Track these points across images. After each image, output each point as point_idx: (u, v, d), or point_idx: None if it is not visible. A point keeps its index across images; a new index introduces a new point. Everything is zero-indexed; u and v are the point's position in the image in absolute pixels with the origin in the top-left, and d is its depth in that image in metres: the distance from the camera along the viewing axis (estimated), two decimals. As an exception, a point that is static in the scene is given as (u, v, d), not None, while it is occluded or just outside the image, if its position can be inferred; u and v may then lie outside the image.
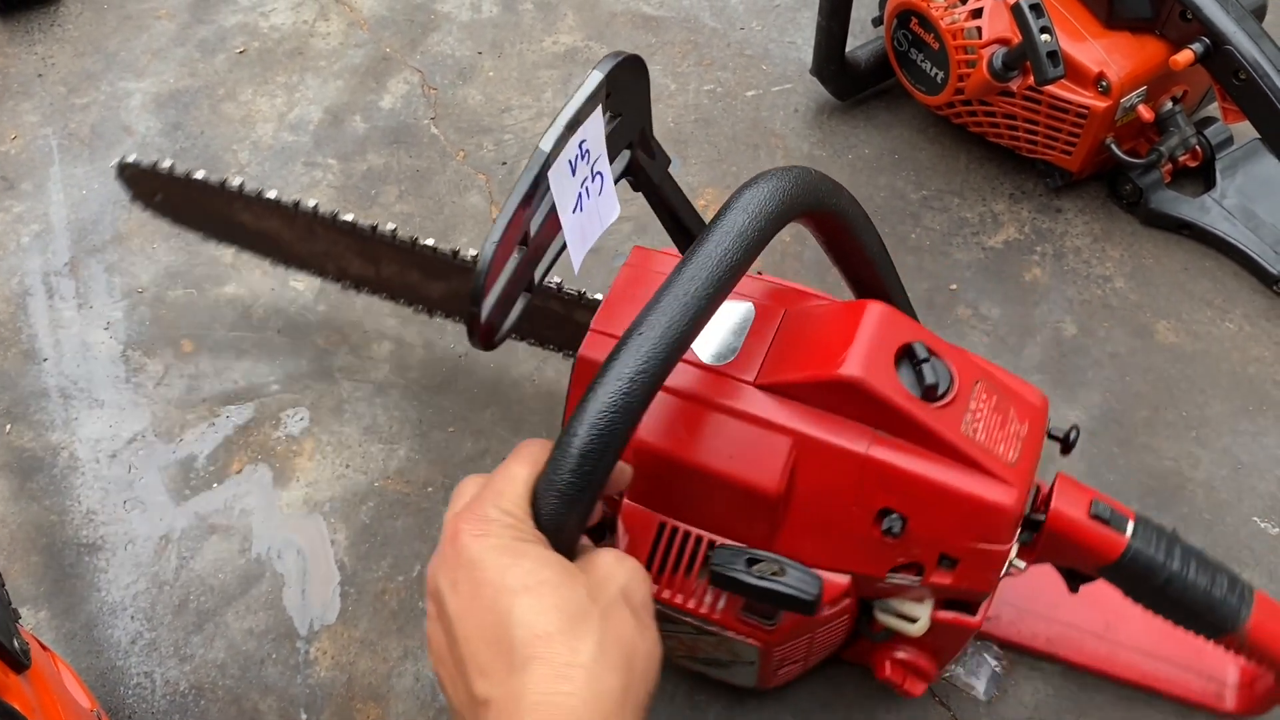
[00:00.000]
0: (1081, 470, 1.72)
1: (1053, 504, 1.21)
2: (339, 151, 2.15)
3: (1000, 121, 1.94)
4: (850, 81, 2.11)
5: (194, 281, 1.99)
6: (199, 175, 1.75)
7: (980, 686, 1.54)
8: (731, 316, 1.23)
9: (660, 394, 1.07)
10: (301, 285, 1.97)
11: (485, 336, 1.18)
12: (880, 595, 1.28)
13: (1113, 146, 1.88)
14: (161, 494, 1.76)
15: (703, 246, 1.03)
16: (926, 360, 1.13)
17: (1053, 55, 1.71)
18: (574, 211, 1.20)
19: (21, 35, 2.38)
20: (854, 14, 2.02)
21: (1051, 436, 1.25)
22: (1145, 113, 1.85)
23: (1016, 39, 1.77)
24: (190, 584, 1.68)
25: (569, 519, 0.94)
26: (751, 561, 1.18)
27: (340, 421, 1.81)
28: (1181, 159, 1.96)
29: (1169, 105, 1.90)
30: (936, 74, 1.95)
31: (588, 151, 1.17)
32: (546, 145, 1.11)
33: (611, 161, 1.28)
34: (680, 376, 1.20)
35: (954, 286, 1.92)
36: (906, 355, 1.14)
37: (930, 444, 1.14)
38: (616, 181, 1.32)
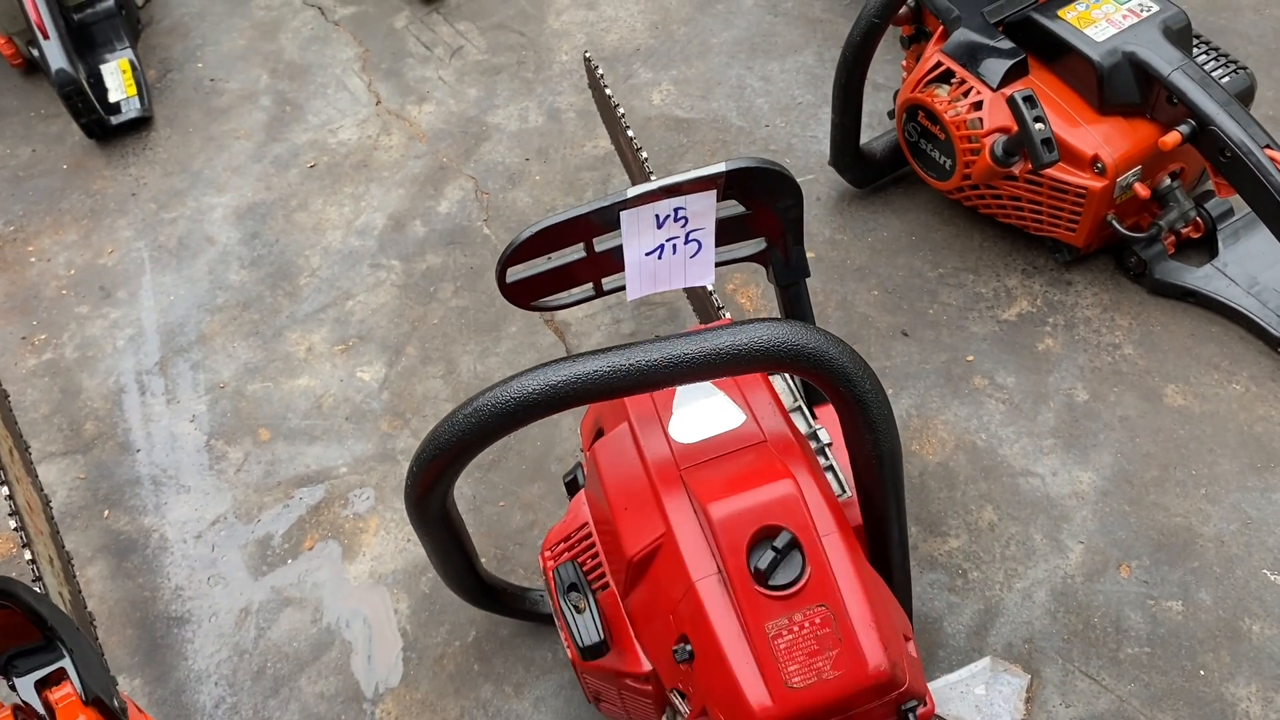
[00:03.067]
0: (1094, 528, 1.81)
1: None
2: (401, 253, 2.36)
3: (1008, 203, 2.07)
4: (867, 171, 2.26)
5: (270, 376, 2.19)
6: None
7: (1000, 736, 1.63)
8: (721, 415, 1.37)
9: (626, 434, 1.35)
10: (367, 376, 2.16)
11: (511, 298, 1.50)
12: (671, 706, 1.37)
13: (1114, 223, 2.00)
14: (241, 570, 1.94)
15: (673, 340, 1.18)
16: (777, 555, 1.20)
17: (1047, 142, 1.84)
18: (648, 254, 1.39)
19: (118, 159, 2.65)
20: (872, 106, 2.18)
21: (900, 716, 1.26)
22: (1142, 190, 1.97)
23: (1014, 128, 1.91)
24: (267, 652, 1.84)
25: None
26: (571, 587, 1.37)
27: (402, 500, 1.97)
28: (1184, 231, 2.07)
29: (1167, 182, 2.01)
30: (945, 162, 2.09)
31: (685, 218, 1.35)
32: (633, 191, 1.32)
33: (735, 243, 1.51)
34: (646, 429, 1.37)
35: (970, 358, 2.04)
36: (772, 536, 1.21)
37: (739, 614, 1.22)
38: (738, 262, 1.57)
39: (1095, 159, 1.92)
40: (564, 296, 1.55)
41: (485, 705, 1.75)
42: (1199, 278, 2.04)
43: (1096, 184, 1.93)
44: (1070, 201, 1.98)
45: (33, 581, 1.67)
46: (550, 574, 1.43)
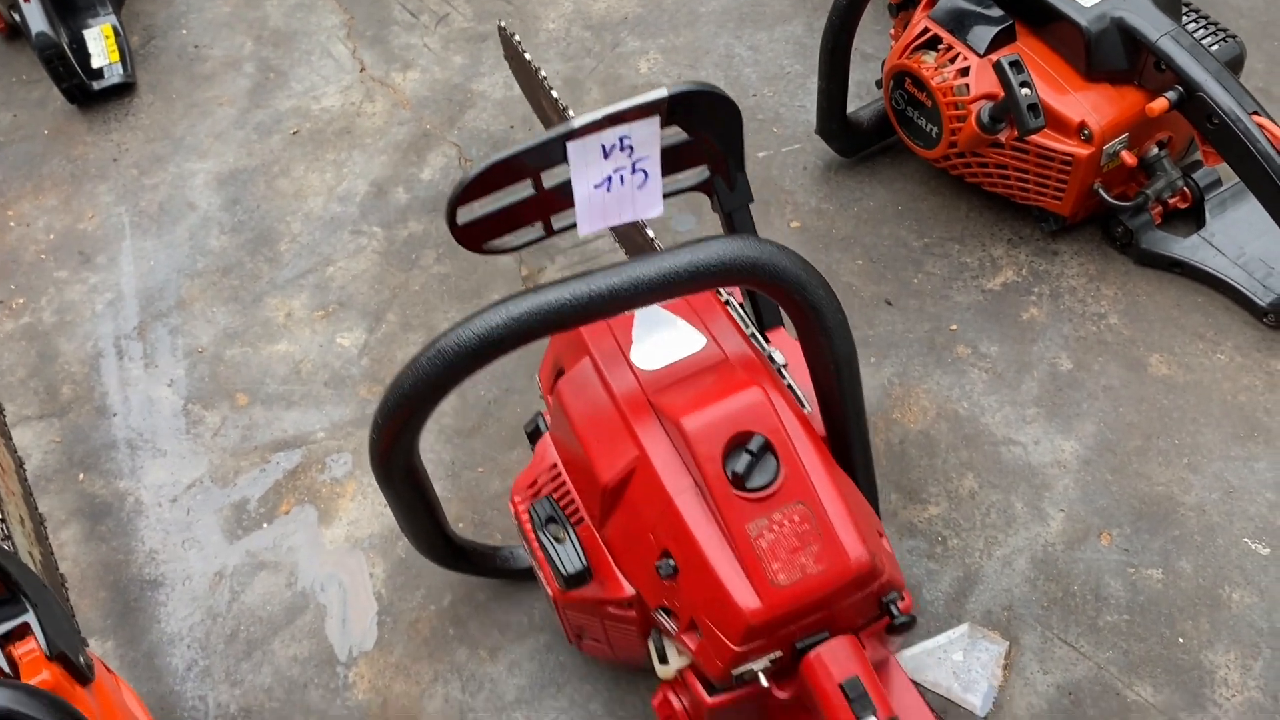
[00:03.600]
0: (1076, 496, 1.80)
1: (815, 653, 1.27)
2: (383, 220, 2.34)
3: (994, 171, 2.05)
4: (853, 139, 2.24)
5: (249, 341, 2.17)
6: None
7: (977, 702, 1.61)
8: (682, 341, 1.38)
9: (589, 368, 1.35)
10: (347, 342, 2.14)
11: (461, 240, 1.49)
12: (656, 626, 1.39)
13: (1101, 191, 1.98)
14: (216, 534, 1.92)
15: (631, 263, 1.19)
16: (752, 458, 1.23)
17: (1034, 108, 1.83)
18: (595, 187, 1.37)
19: (100, 125, 2.62)
20: (860, 76, 2.16)
21: (882, 608, 1.31)
22: (1129, 158, 1.95)
23: (1001, 94, 1.89)
24: (241, 616, 1.83)
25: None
26: (549, 520, 1.39)
27: (379, 465, 1.96)
28: (1171, 201, 2.05)
29: (1154, 150, 2.00)
30: (931, 129, 2.07)
31: (630, 147, 1.34)
32: (576, 123, 1.31)
33: (679, 171, 1.51)
34: (609, 361, 1.38)
35: (954, 327, 2.02)
36: (745, 442, 1.24)
37: (719, 521, 1.25)
38: (683, 192, 1.57)
39: (1082, 126, 1.90)
40: (515, 238, 1.55)
41: (459, 669, 1.73)
42: (1185, 248, 2.02)
43: (1083, 151, 1.91)
44: (1056, 169, 1.96)
45: (1, 540, 1.65)
46: (525, 514, 1.42)
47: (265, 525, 1.92)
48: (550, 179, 1.45)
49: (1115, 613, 1.68)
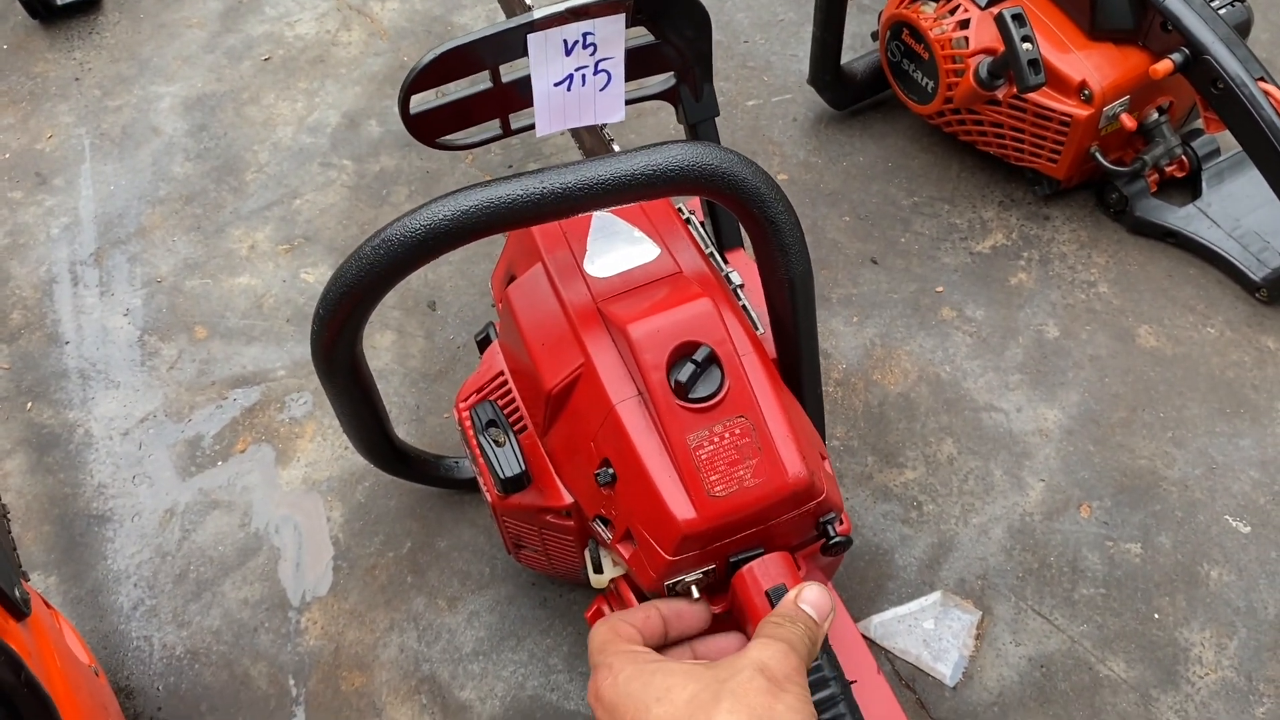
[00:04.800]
0: (1056, 466, 1.75)
1: (747, 567, 1.24)
2: (354, 153, 2.25)
3: (989, 130, 1.99)
4: (846, 92, 2.17)
5: (210, 273, 2.08)
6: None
7: (947, 671, 1.58)
8: (636, 250, 1.34)
9: (540, 274, 1.32)
10: (312, 278, 2.06)
11: (414, 131, 1.45)
12: (593, 535, 1.38)
13: (1098, 155, 1.92)
14: (168, 470, 1.85)
15: (586, 163, 1.15)
16: (696, 367, 1.21)
17: (1034, 64, 1.76)
18: (555, 85, 1.34)
19: (62, 42, 2.51)
20: (855, 29, 2.09)
21: (819, 529, 1.28)
22: (1128, 122, 1.89)
23: (1000, 49, 1.82)
24: (191, 555, 1.76)
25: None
26: (490, 424, 1.36)
27: (341, 405, 1.89)
28: (1168, 169, 2.00)
29: (1154, 116, 1.94)
30: (927, 84, 2.00)
31: (593, 45, 1.30)
32: (537, 14, 1.27)
33: (644, 77, 1.46)
34: (561, 268, 1.35)
35: (940, 289, 1.96)
36: (690, 352, 1.21)
37: (660, 431, 1.22)
38: (647, 99, 1.52)
39: (1082, 85, 1.84)
40: (471, 134, 1.51)
41: (416, 618, 1.67)
42: (1180, 217, 1.97)
43: (1082, 112, 1.85)
44: (1054, 130, 1.90)
45: (-61, 467, 1.58)
46: (468, 416, 1.39)
47: (220, 463, 1.85)
48: (509, 74, 1.41)
49: (1091, 586, 1.64)
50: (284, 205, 2.16)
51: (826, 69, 2.10)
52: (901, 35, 2.00)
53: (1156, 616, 1.61)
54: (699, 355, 1.22)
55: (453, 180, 2.18)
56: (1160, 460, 1.75)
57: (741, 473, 1.22)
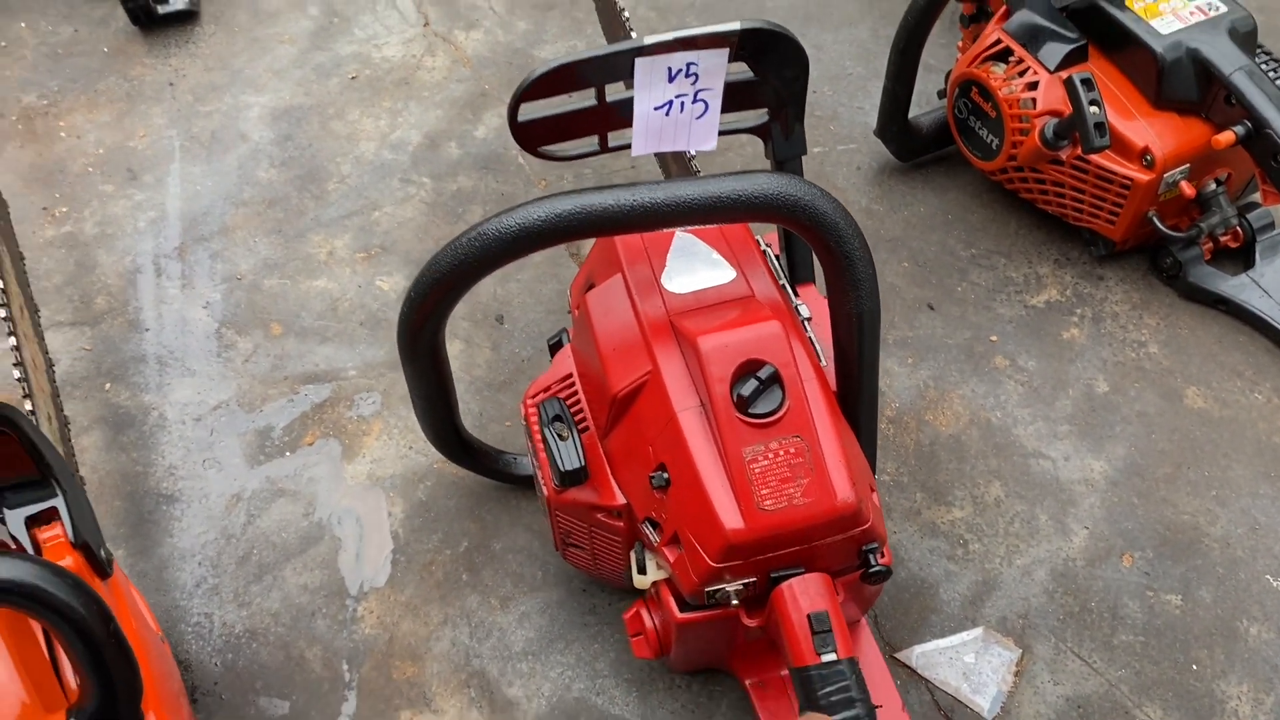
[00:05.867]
0: (1101, 515, 1.79)
1: (787, 583, 1.30)
2: (433, 171, 2.34)
3: (1050, 189, 2.06)
4: (911, 144, 2.25)
5: (289, 274, 2.17)
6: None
7: (985, 704, 1.61)
8: (713, 272, 1.43)
9: (619, 284, 1.41)
10: (386, 286, 2.14)
11: (519, 138, 1.52)
12: (640, 538, 1.44)
13: (1155, 219, 1.98)
14: (237, 457, 1.91)
15: (677, 181, 1.23)
16: (759, 384, 1.28)
17: (1100, 126, 1.83)
18: (655, 109, 1.43)
19: (159, 49, 2.63)
20: (921, 86, 2.16)
21: (861, 558, 1.34)
22: (1187, 189, 1.95)
23: (1067, 111, 1.90)
24: (255, 539, 1.82)
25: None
26: (556, 418, 1.43)
27: (409, 409, 1.95)
28: (1223, 239, 2.06)
29: (1212, 186, 2.00)
30: (992, 141, 2.08)
31: (696, 75, 1.39)
32: (648, 40, 1.36)
33: (738, 110, 1.54)
34: (640, 281, 1.44)
35: (994, 338, 2.02)
36: (755, 369, 1.29)
37: (718, 442, 1.29)
38: (740, 132, 1.60)
39: (1145, 151, 1.91)
40: (570, 146, 1.59)
41: (469, 615, 1.72)
42: (1232, 286, 2.02)
43: (1143, 176, 1.92)
44: (1114, 192, 1.96)
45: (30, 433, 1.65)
46: (536, 410, 1.47)
47: (288, 454, 1.91)
48: (613, 95, 1.48)
49: (1130, 633, 1.67)
50: (363, 215, 2.25)
51: (894, 121, 2.18)
52: (970, 93, 2.08)
53: (1195, 667, 1.64)
54: (763, 373, 1.28)
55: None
56: (1204, 517, 1.78)
57: (792, 490, 1.27)
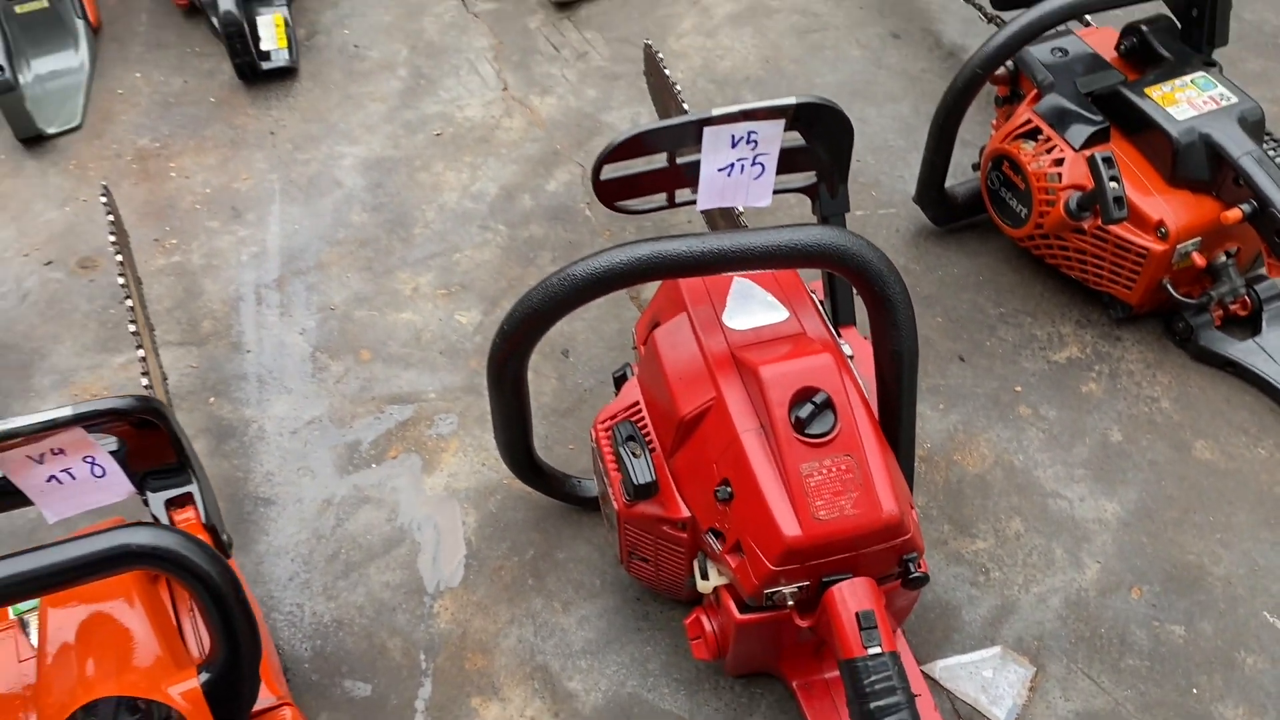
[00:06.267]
0: (1112, 551, 1.96)
1: (838, 586, 1.47)
2: (508, 220, 2.57)
3: (1073, 255, 2.25)
4: (947, 210, 2.45)
5: (377, 306, 2.39)
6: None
7: (1001, 715, 1.77)
8: (769, 312, 1.63)
9: (684, 322, 1.61)
10: (464, 319, 2.36)
11: (599, 194, 1.75)
12: (703, 548, 1.61)
13: (1169, 287, 2.17)
14: (329, 467, 2.12)
15: (741, 232, 1.43)
16: (815, 408, 1.47)
17: (1119, 200, 2.03)
18: (719, 170, 1.65)
19: (261, 101, 2.89)
20: (957, 159, 2.37)
21: (901, 566, 1.51)
22: (1199, 260, 2.14)
23: (1090, 185, 2.10)
24: (343, 540, 2.02)
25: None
26: (630, 438, 1.62)
27: (483, 429, 2.16)
28: (1232, 307, 2.24)
29: (1222, 258, 2.19)
30: (1021, 210, 2.28)
31: (755, 142, 1.61)
32: (716, 111, 1.59)
33: (792, 172, 1.77)
34: (702, 318, 1.63)
35: (1019, 388, 2.20)
36: (811, 395, 1.47)
37: (777, 459, 1.47)
38: (790, 191, 1.83)
39: (1160, 224, 2.10)
40: (642, 202, 1.83)
41: (534, 615, 1.91)
42: (1240, 350, 2.20)
43: (1158, 247, 2.11)
44: (1131, 260, 2.15)
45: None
46: (607, 433, 1.67)
47: (374, 465, 2.12)
48: (682, 156, 1.72)
49: (1137, 658, 1.83)
50: (445, 257, 2.48)
51: (932, 189, 2.39)
52: (1002, 166, 2.29)
53: (1195, 691, 1.79)
54: (818, 398, 1.48)
55: (591, 249, 2.48)
56: (1208, 557, 1.95)
57: (843, 502, 1.46)
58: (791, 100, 1.64)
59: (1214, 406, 2.17)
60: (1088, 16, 2.50)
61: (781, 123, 1.64)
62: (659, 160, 1.74)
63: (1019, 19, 2.13)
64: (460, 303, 2.39)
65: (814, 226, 1.46)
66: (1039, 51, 2.32)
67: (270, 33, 2.98)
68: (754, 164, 1.69)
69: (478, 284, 2.43)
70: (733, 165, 1.68)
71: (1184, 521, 2.00)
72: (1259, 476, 2.06)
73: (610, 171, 1.74)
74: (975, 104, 2.29)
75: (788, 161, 1.76)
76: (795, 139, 1.75)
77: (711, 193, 1.71)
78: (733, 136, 1.64)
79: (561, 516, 2.03)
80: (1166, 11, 2.31)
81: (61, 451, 1.47)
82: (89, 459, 1.50)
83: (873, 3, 3.10)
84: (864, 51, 2.97)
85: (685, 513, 1.61)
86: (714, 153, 1.65)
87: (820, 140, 1.74)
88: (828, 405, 1.48)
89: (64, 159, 2.75)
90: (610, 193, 1.77)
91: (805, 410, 1.48)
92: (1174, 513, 2.01)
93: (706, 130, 1.63)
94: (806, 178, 1.84)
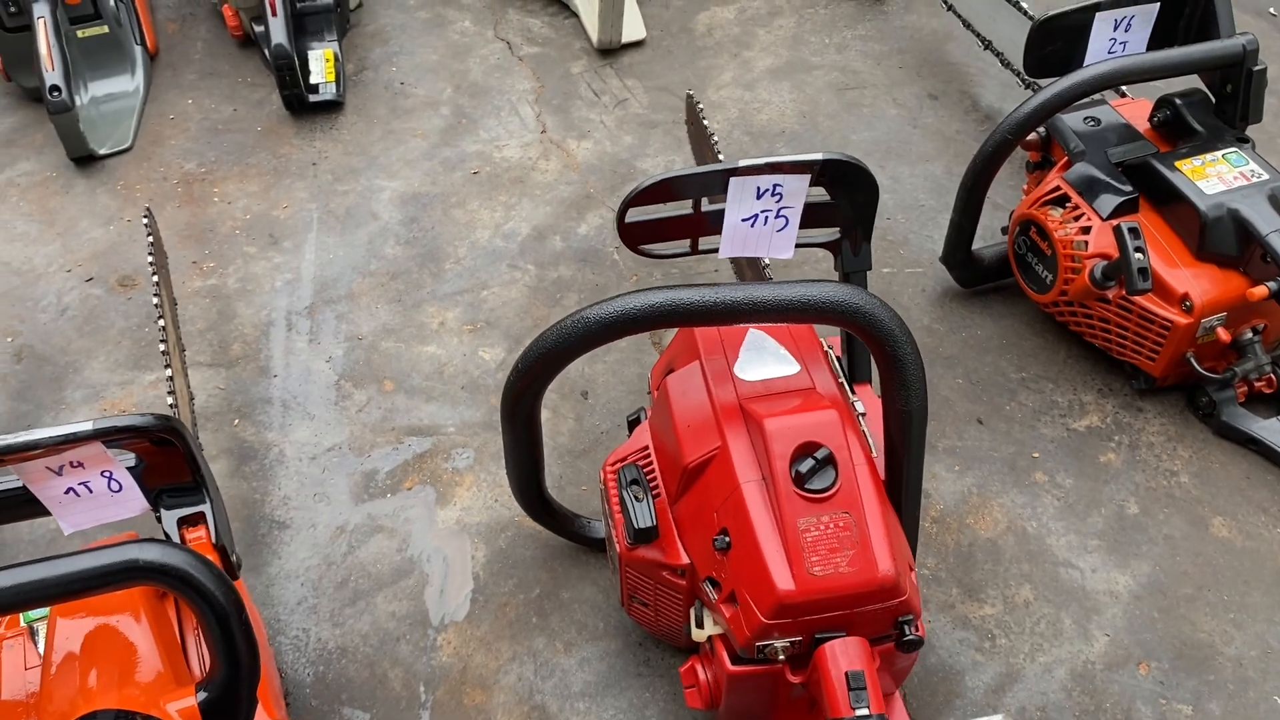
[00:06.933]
0: (1122, 625, 1.94)
1: (830, 644, 1.46)
2: (537, 260, 2.60)
3: (1097, 324, 2.25)
4: (973, 272, 2.46)
5: (404, 338, 2.43)
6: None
7: (999, 785, 1.74)
8: (781, 365, 1.64)
9: (696, 370, 1.62)
10: (488, 356, 2.39)
11: (624, 237, 1.77)
12: (700, 596, 1.61)
13: (1192, 360, 2.16)
14: (345, 494, 2.15)
15: (754, 285, 1.45)
16: (815, 463, 1.47)
17: (1143, 271, 2.03)
18: (743, 220, 1.67)
19: (306, 132, 2.96)
20: (986, 221, 2.38)
21: (897, 628, 1.50)
22: (1224, 335, 2.13)
23: (1116, 255, 2.10)
24: (353, 567, 2.04)
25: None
26: (633, 482, 1.63)
27: (498, 465, 2.17)
28: (1257, 384, 2.22)
29: (1248, 334, 2.17)
30: (1047, 276, 2.28)
31: (780, 194, 1.64)
32: (744, 162, 1.62)
33: (816, 226, 1.77)
34: (714, 368, 1.64)
35: (1036, 455, 2.19)
36: (813, 450, 1.47)
37: (776, 512, 1.47)
38: (813, 246, 1.83)
39: (1185, 297, 2.09)
40: (666, 247, 1.85)
41: (536, 654, 1.91)
42: (1263, 428, 2.18)
43: (1182, 320, 2.10)
44: (1155, 331, 2.14)
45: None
46: (614, 475, 1.69)
47: (389, 495, 2.14)
48: (707, 205, 1.74)
49: (1141, 735, 1.80)
50: (473, 293, 2.52)
51: (959, 250, 2.40)
52: (1029, 232, 2.29)
53: (1199, 773, 1.76)
54: (819, 454, 1.48)
55: (617, 292, 2.51)
56: (1219, 637, 1.92)
57: (839, 559, 1.46)
58: (818, 156, 1.66)
59: (1234, 484, 2.15)
60: (1123, 87, 2.51)
61: (807, 177, 1.67)
62: (684, 206, 1.77)
63: (1052, 86, 2.14)
64: (485, 339, 2.43)
65: (827, 283, 1.47)
66: (1072, 119, 2.33)
67: (320, 66, 3.06)
68: (778, 216, 1.72)
69: (503, 321, 2.46)
70: (757, 216, 1.71)
71: (1197, 599, 1.97)
72: (1277, 557, 2.03)
73: (635, 215, 1.77)
74: (1007, 168, 2.31)
75: (813, 216, 1.78)
76: (822, 194, 1.77)
77: (734, 242, 1.74)
78: (758, 188, 1.67)
79: (570, 557, 2.04)
80: (1201, 85, 2.32)
81: (80, 465, 1.51)
82: (106, 473, 1.53)
83: (912, 63, 3.13)
84: (900, 110, 2.99)
85: (685, 559, 1.62)
86: (739, 202, 1.68)
87: (845, 197, 1.76)
88: (829, 461, 1.49)
89: (112, 179, 2.83)
90: (634, 236, 1.80)
91: (806, 465, 1.48)
92: (1187, 589, 1.99)
93: (733, 180, 1.65)
94: (830, 233, 1.86)
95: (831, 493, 1.48)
